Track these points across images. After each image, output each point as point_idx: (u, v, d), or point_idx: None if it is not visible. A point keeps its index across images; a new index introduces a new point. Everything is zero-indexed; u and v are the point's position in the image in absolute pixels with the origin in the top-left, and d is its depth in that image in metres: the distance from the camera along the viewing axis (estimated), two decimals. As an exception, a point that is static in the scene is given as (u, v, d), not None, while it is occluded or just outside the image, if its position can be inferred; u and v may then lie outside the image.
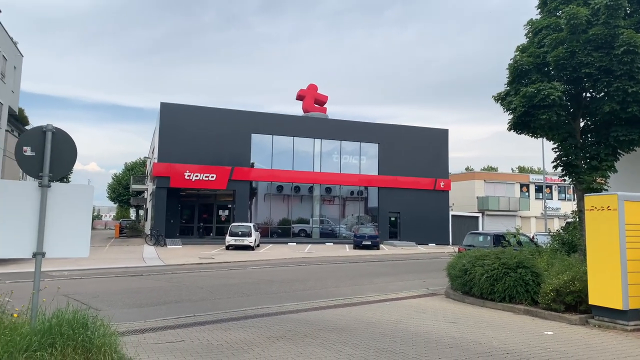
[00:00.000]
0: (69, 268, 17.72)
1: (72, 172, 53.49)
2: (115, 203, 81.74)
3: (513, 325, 8.66)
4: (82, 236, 5.98)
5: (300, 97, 40.96)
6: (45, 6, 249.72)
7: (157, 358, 6.22)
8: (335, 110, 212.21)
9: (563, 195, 53.66)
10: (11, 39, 36.80)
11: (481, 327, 8.41)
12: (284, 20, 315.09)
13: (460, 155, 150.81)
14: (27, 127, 40.56)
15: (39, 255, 5.72)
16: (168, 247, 30.47)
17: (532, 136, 15.08)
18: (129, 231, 46.11)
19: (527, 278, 10.02)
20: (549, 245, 14.50)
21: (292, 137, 37.80)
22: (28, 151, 5.90)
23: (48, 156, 5.89)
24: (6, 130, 36.19)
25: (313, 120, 39.23)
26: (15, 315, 5.61)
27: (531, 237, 21.75)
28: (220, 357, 6.34)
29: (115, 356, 5.21)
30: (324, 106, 41.33)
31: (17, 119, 41.38)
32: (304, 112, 40.46)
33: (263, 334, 7.68)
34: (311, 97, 40.72)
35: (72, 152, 6.17)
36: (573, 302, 9.08)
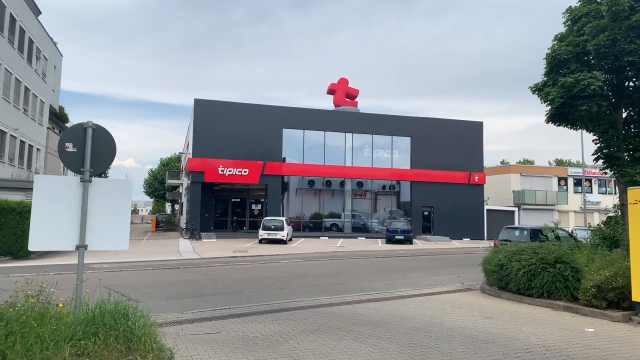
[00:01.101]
0: (108, 261, 18.26)
1: (109, 168, 54.94)
2: (151, 198, 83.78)
3: (552, 321, 8.46)
4: (122, 229, 6.14)
5: (331, 92, 40.88)
6: (83, 6, 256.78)
7: (194, 349, 6.35)
8: (366, 104, 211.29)
9: (604, 188, 51.92)
10: (51, 39, 37.99)
11: (519, 323, 8.24)
12: (315, 14, 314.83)
13: (494, 148, 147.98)
14: (67, 125, 41.96)
15: (81, 247, 5.91)
16: (203, 240, 31.03)
17: (570, 128, 14.66)
18: (165, 225, 47.16)
19: (567, 274, 9.76)
20: (589, 240, 14.07)
21: (323, 132, 37.80)
22: (70, 147, 6.08)
23: (89, 152, 6.06)
24: (47, 128, 37.48)
25: (344, 115, 39.12)
26: (60, 305, 5.81)
27: (570, 231, 21.16)
28: (256, 349, 6.42)
29: (155, 346, 5.34)
30: (355, 100, 41.13)
31: (57, 117, 42.81)
32: (335, 106, 40.37)
33: (297, 327, 7.74)
34: (342, 91, 40.58)
35: (111, 148, 6.32)
36: (615, 299, 8.80)
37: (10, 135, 28.62)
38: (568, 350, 6.60)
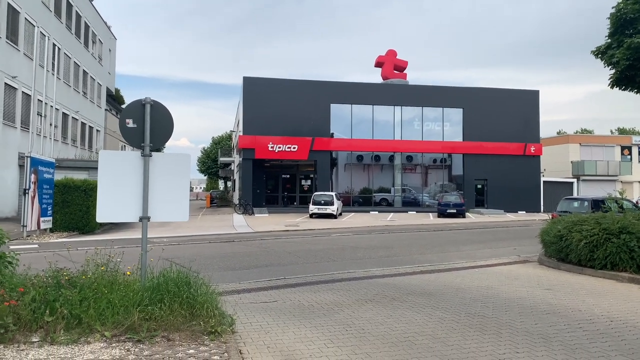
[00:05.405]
0: (167, 235, 19.03)
1: (164, 147, 56.75)
2: (205, 175, 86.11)
3: (616, 293, 8.14)
4: (181, 201, 6.36)
5: (378, 64, 40.17)
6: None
7: (253, 316, 6.55)
8: (416, 76, 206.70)
9: (672, 157, 48.85)
10: (105, 23, 39.18)
11: (580, 295, 7.98)
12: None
13: (551, 119, 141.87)
14: (123, 107, 43.57)
15: (144, 219, 6.17)
16: (255, 215, 31.72)
17: (637, 92, 13.81)
18: (219, 201, 48.58)
19: (632, 244, 9.31)
20: (656, 210, 13.33)
21: (372, 106, 37.36)
22: (130, 123, 6.30)
23: (148, 127, 6.25)
24: (105, 110, 39.01)
25: (393, 87, 38.44)
26: (128, 272, 6.13)
27: (635, 202, 20.10)
28: (312, 317, 6.56)
29: (217, 312, 5.55)
30: (404, 72, 40.27)
31: (114, 99, 44.46)
32: (383, 79, 39.69)
33: (351, 297, 7.82)
34: (390, 63, 39.79)
35: (168, 123, 6.49)
36: (686, 270, 8.35)
37: (72, 117, 30.03)
38: (635, 321, 6.35)
